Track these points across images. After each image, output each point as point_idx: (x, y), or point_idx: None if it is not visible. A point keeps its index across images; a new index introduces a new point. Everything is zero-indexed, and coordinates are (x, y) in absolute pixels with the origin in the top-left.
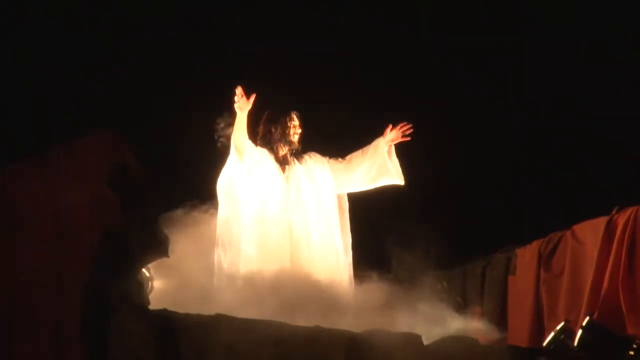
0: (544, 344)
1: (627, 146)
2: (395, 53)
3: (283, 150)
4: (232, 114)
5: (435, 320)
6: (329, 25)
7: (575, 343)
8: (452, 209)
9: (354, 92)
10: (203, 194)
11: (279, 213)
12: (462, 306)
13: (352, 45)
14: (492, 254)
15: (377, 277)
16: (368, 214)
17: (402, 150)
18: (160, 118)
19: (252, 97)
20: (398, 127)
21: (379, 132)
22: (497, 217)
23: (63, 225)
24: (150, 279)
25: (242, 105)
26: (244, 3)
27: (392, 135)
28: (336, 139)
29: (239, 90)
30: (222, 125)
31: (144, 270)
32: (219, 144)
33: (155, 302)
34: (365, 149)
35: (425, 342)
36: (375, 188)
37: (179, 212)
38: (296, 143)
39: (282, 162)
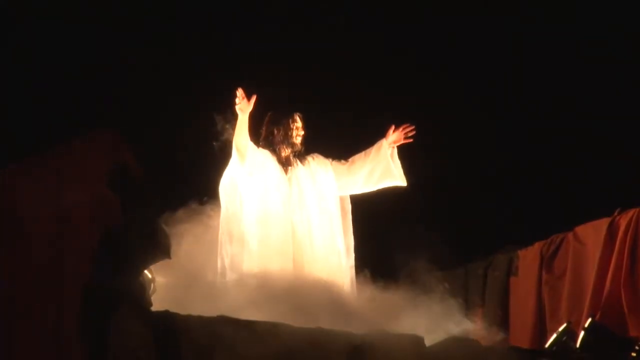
0: (546, 345)
1: (627, 146)
2: (395, 54)
3: (285, 152)
4: (234, 116)
5: (437, 321)
6: (330, 25)
7: (578, 344)
8: (454, 210)
9: (355, 94)
10: (203, 194)
11: (282, 214)
12: (463, 307)
13: (352, 47)
14: (493, 255)
15: (379, 278)
16: (369, 215)
17: (403, 151)
18: (160, 118)
19: (253, 99)
20: (401, 129)
21: (380, 133)
22: (498, 218)
23: (63, 225)
24: (153, 280)
25: (243, 107)
26: (244, 3)
27: (394, 137)
28: (337, 140)
29: (239, 92)
30: (222, 126)
31: (146, 271)
32: (219, 144)
33: (157, 302)
34: (367, 151)
35: (427, 343)
36: (377, 189)
37: (179, 213)
38: (298, 145)
39: (285, 164)
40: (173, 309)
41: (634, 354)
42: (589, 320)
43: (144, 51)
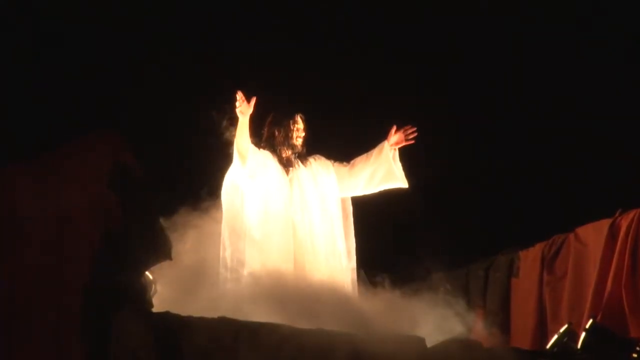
0: (547, 346)
1: (627, 146)
2: (395, 54)
3: (286, 153)
4: (235, 118)
5: (438, 322)
6: (330, 27)
7: (579, 346)
8: (455, 211)
9: (355, 95)
10: (204, 195)
11: (283, 215)
12: (464, 308)
13: (353, 48)
14: (494, 256)
15: (380, 279)
16: (370, 215)
17: (404, 152)
18: (160, 118)
19: (253, 101)
20: (402, 131)
21: (381, 134)
22: (499, 218)
23: (63, 226)
24: (154, 282)
25: (244, 109)
26: (245, 3)
27: (396, 138)
28: (338, 140)
29: (239, 95)
30: (223, 126)
31: (147, 273)
32: (220, 144)
33: (158, 303)
34: (369, 153)
35: (428, 344)
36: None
37: (180, 214)
38: (299, 146)
39: (286, 165)
40: (174, 310)
41: (635, 355)
42: (590, 321)
43: (144, 51)
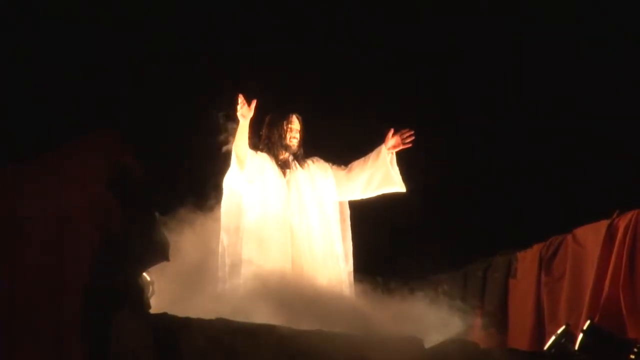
0: (545, 347)
1: (627, 146)
2: (394, 55)
3: (283, 154)
4: (235, 117)
5: (436, 323)
6: (330, 28)
7: (576, 347)
8: (453, 211)
9: (353, 97)
10: (203, 196)
11: (280, 217)
12: (462, 309)
13: (351, 49)
14: (492, 257)
15: (378, 280)
16: (368, 216)
17: (402, 152)
18: (160, 118)
19: (253, 104)
20: (399, 134)
21: (378, 137)
22: (497, 219)
23: (63, 226)
24: (151, 282)
25: (245, 112)
26: (245, 3)
27: (393, 142)
28: (336, 142)
29: (240, 99)
30: (223, 126)
31: (144, 274)
32: (219, 144)
33: (156, 305)
34: (366, 157)
35: (427, 345)
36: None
37: (179, 215)
38: (294, 147)
39: (283, 166)
40: (172, 311)
41: (632, 356)
42: (588, 322)
43: (144, 51)
